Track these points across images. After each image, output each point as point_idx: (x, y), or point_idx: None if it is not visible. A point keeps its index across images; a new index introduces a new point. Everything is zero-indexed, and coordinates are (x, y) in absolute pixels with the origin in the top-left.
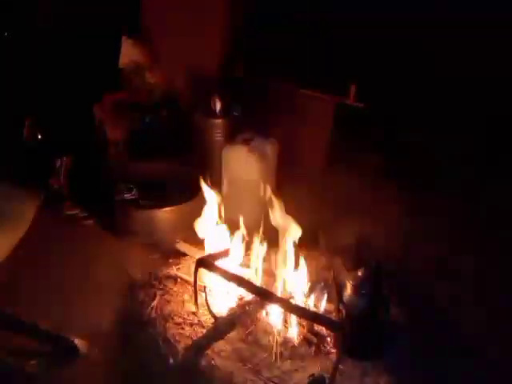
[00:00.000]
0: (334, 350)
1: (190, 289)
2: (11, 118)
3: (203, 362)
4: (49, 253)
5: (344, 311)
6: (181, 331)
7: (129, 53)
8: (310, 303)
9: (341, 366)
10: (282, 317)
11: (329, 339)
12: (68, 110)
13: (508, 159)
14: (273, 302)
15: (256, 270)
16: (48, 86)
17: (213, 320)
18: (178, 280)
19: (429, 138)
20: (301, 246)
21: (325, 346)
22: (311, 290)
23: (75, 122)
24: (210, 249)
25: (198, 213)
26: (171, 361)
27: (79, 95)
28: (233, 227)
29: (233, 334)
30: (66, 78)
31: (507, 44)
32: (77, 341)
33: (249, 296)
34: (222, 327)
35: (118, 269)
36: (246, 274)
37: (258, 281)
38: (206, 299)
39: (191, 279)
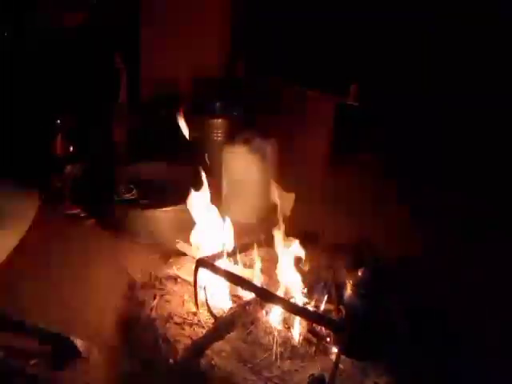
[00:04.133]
0: (334, 350)
1: (190, 289)
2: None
3: (203, 362)
4: (49, 253)
5: (344, 311)
6: (181, 331)
7: None
8: (310, 303)
9: (341, 366)
10: (281, 317)
11: (329, 339)
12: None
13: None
14: (273, 302)
15: (256, 269)
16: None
17: (213, 320)
18: (178, 280)
19: (429, 137)
20: (301, 246)
21: (325, 346)
22: (311, 290)
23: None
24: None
25: None
26: (171, 361)
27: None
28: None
29: (233, 334)
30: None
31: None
32: (77, 341)
33: (249, 296)
34: (222, 327)
35: (117, 269)
36: (246, 273)
37: (257, 281)
38: (206, 299)
39: (191, 279)
